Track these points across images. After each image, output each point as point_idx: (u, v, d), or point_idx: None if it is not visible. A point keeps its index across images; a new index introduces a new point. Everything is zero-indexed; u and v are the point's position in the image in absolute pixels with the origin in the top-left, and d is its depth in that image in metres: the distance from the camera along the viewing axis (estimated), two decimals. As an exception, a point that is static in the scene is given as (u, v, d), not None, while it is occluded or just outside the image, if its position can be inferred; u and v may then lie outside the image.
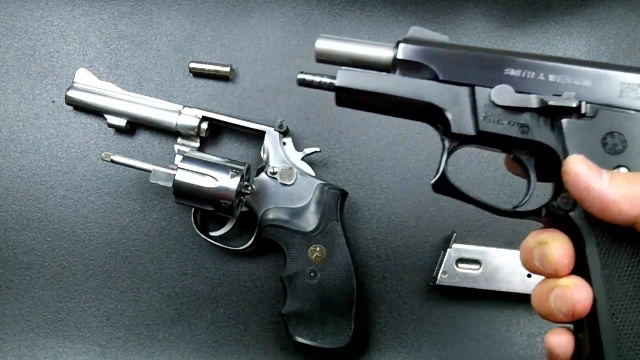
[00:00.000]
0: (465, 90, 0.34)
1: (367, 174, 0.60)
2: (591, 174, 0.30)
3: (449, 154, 0.35)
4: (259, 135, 0.56)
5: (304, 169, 0.55)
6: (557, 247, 0.32)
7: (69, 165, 0.59)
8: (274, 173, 0.55)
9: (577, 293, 0.31)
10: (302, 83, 0.38)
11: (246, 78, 0.61)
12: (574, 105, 0.32)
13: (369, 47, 0.36)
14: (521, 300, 0.56)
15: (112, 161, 0.54)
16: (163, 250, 0.58)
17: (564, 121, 0.32)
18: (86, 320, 0.57)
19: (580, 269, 0.32)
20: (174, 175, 0.52)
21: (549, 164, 0.34)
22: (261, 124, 0.56)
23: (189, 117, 0.56)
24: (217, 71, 0.60)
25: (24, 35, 0.61)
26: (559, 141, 0.33)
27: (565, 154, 0.32)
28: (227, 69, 0.60)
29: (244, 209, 0.55)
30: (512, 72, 0.34)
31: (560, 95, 0.33)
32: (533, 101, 0.33)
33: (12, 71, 0.61)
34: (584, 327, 0.32)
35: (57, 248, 0.58)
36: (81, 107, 0.59)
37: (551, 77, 0.33)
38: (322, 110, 0.60)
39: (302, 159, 0.56)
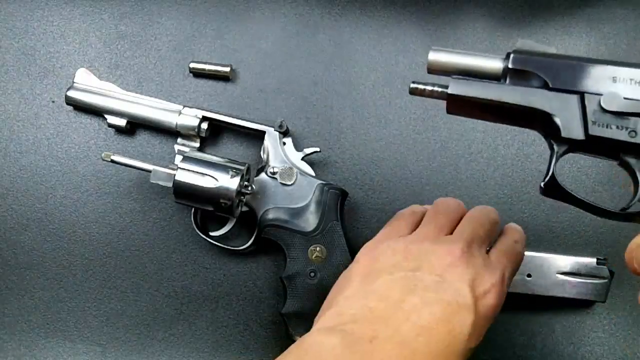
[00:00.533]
0: (574, 98, 0.36)
1: (367, 174, 0.60)
2: None
3: (558, 159, 0.37)
4: (259, 135, 0.56)
5: (304, 169, 0.56)
6: None
7: (69, 165, 0.59)
8: (274, 173, 0.55)
9: None
10: (414, 92, 0.41)
11: (246, 78, 0.61)
12: None
13: (479, 58, 0.39)
14: (521, 300, 0.56)
15: (112, 161, 0.54)
16: (163, 250, 0.58)
17: None
18: (86, 320, 0.57)
19: None
20: (174, 175, 0.52)
21: None
22: (261, 124, 0.56)
23: (189, 117, 0.57)
24: (217, 71, 0.60)
25: (24, 35, 0.62)
26: None
27: None
28: (227, 69, 0.60)
29: (244, 209, 0.55)
30: (620, 80, 0.36)
31: None
32: None
33: (12, 71, 0.61)
34: None
35: (57, 248, 0.58)
36: (81, 107, 0.59)
37: None
38: (322, 110, 0.61)
39: (302, 159, 0.56)
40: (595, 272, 0.55)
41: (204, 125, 0.57)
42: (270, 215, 0.54)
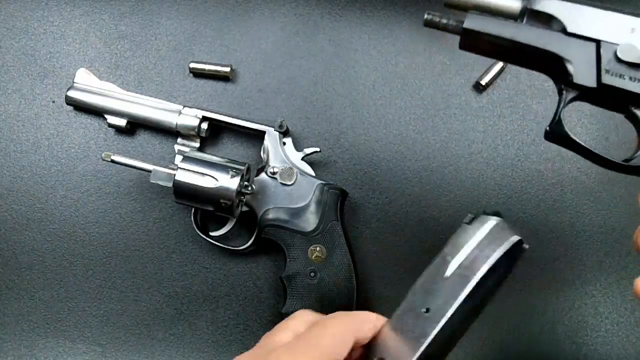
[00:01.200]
0: (591, 45, 0.36)
1: (367, 174, 0.60)
2: None
3: (566, 104, 0.37)
4: (259, 135, 0.56)
5: (304, 169, 0.56)
6: None
7: (69, 165, 0.59)
8: (274, 173, 0.55)
9: None
10: (429, 23, 0.39)
11: (246, 78, 0.61)
12: None
13: None
14: (522, 300, 0.56)
15: (113, 161, 0.54)
16: (163, 250, 0.58)
17: None
18: (86, 320, 0.57)
19: None
20: (174, 175, 0.52)
21: None
22: (261, 124, 0.56)
23: (189, 117, 0.57)
24: (217, 71, 0.60)
25: (24, 35, 0.62)
26: None
27: None
28: (227, 69, 0.60)
29: (244, 209, 0.55)
30: (638, 31, 0.35)
31: None
32: None
33: (13, 71, 0.61)
34: None
35: (58, 248, 0.58)
36: (81, 107, 0.59)
37: None
38: (322, 110, 0.61)
39: (302, 159, 0.56)
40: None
41: (204, 125, 0.57)
42: (270, 215, 0.54)
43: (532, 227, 0.59)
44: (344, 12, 0.63)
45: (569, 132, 0.37)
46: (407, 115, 0.61)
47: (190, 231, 0.58)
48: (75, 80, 0.58)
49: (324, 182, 0.55)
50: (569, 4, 0.37)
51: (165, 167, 0.53)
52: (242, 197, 0.54)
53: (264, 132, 0.56)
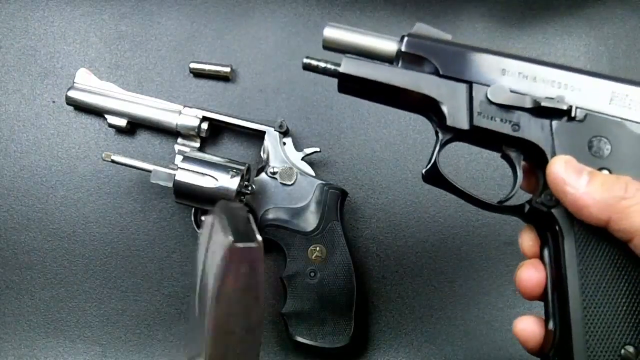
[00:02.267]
0: (463, 87, 0.36)
1: (367, 174, 0.60)
2: (570, 178, 0.32)
3: (442, 147, 0.37)
4: (259, 135, 0.56)
5: (304, 169, 0.56)
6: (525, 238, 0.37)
7: (69, 165, 0.59)
8: (274, 173, 0.55)
9: (524, 271, 0.35)
10: (308, 67, 0.40)
11: (246, 78, 0.61)
12: (565, 108, 0.35)
13: (375, 38, 0.38)
14: (522, 300, 0.56)
15: (113, 161, 0.54)
16: (163, 250, 0.58)
17: (555, 122, 0.35)
18: (86, 320, 0.57)
19: (557, 263, 0.34)
20: (174, 175, 0.52)
21: (536, 163, 0.36)
22: (261, 124, 0.56)
23: (189, 117, 0.57)
24: (217, 71, 0.60)
25: (24, 35, 0.62)
26: (548, 141, 0.35)
27: (553, 153, 0.34)
28: (227, 69, 0.60)
29: (244, 208, 0.55)
30: (509, 73, 0.36)
31: (552, 99, 0.35)
32: (527, 101, 0.35)
33: (13, 71, 0.61)
34: (554, 317, 0.34)
35: (58, 248, 0.58)
36: (82, 107, 0.59)
37: (545, 81, 0.36)
38: (322, 110, 0.61)
39: (302, 159, 0.56)
40: None
41: (204, 125, 0.57)
42: (270, 215, 0.54)
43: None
44: (344, 12, 0.63)
45: (446, 176, 0.37)
46: (407, 115, 0.60)
47: (190, 231, 0.58)
48: (75, 81, 0.58)
49: (324, 182, 0.55)
50: (441, 46, 0.37)
51: (165, 167, 0.53)
52: (242, 197, 0.54)
53: (264, 132, 0.56)
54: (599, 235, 0.32)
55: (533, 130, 0.35)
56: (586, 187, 0.32)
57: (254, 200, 0.55)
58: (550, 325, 0.34)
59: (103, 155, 0.54)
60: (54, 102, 0.60)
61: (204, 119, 0.57)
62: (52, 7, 0.62)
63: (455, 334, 0.58)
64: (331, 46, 0.39)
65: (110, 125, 0.58)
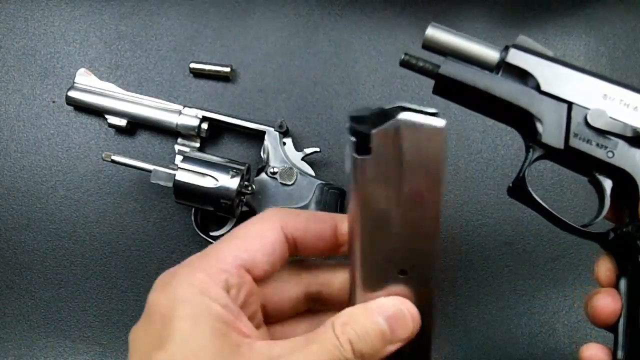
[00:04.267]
0: (563, 106, 0.36)
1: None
2: None
3: (532, 162, 0.37)
4: (259, 135, 0.56)
5: (304, 169, 0.56)
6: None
7: (69, 165, 0.59)
8: (274, 173, 0.55)
9: (600, 299, 0.35)
10: (405, 64, 0.39)
11: (246, 78, 0.61)
12: None
13: (477, 44, 0.38)
14: (522, 300, 0.56)
15: (113, 161, 0.54)
16: (163, 250, 0.58)
17: None
18: (87, 320, 0.57)
19: (634, 294, 0.34)
20: (175, 175, 0.52)
21: (625, 191, 0.36)
22: (261, 124, 0.56)
23: (190, 117, 0.57)
24: (217, 71, 0.60)
25: (24, 35, 0.62)
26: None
27: None
28: (228, 69, 0.60)
29: (244, 208, 0.55)
30: (610, 99, 0.35)
31: None
32: (627, 129, 0.35)
33: (13, 71, 0.61)
34: (624, 348, 0.34)
35: (58, 248, 0.58)
36: (82, 107, 0.59)
37: None
38: (322, 110, 0.61)
39: (302, 159, 0.56)
40: None
41: (204, 125, 0.57)
42: (270, 215, 0.54)
43: (532, 227, 0.59)
44: (344, 12, 0.63)
45: (532, 192, 0.37)
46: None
47: (190, 231, 0.58)
48: (75, 81, 0.59)
49: (324, 182, 0.55)
50: (546, 62, 0.37)
51: (165, 167, 0.53)
52: (242, 197, 0.54)
53: (264, 132, 0.56)
54: None
55: (628, 158, 0.35)
56: None
57: (254, 200, 0.55)
58: (620, 355, 0.34)
59: (103, 155, 0.54)
60: (54, 102, 0.60)
61: (204, 119, 0.57)
62: (52, 7, 0.62)
63: (455, 334, 0.58)
64: (432, 46, 0.38)
65: (110, 125, 0.58)
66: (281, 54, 0.62)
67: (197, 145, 0.58)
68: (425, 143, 0.27)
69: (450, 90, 0.38)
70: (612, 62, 0.63)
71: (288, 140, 0.56)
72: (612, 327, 0.36)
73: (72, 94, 0.58)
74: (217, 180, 0.51)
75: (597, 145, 0.35)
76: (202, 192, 0.52)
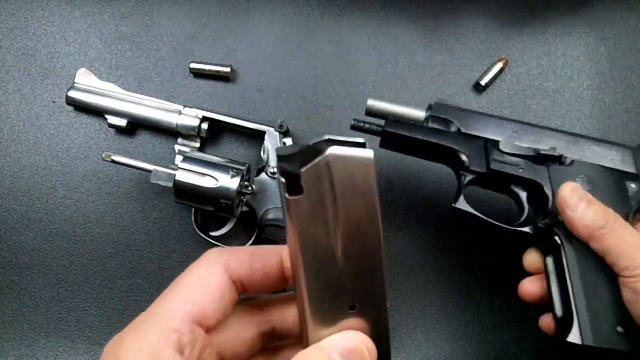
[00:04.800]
0: (480, 140, 0.48)
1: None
2: (572, 201, 0.42)
3: (465, 186, 0.47)
4: (259, 135, 0.56)
5: (304, 169, 0.55)
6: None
7: (69, 165, 0.59)
8: (274, 173, 0.55)
9: (528, 283, 0.46)
10: (355, 127, 0.50)
11: (246, 78, 0.61)
12: (557, 155, 0.46)
13: (407, 107, 0.49)
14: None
15: (113, 161, 0.54)
16: (163, 250, 0.59)
17: (550, 166, 0.46)
18: (87, 320, 0.58)
19: (559, 267, 0.43)
20: (175, 175, 0.52)
21: (536, 196, 0.47)
22: (261, 124, 0.56)
23: (190, 117, 0.57)
24: (217, 71, 0.60)
25: (24, 35, 0.62)
26: (546, 180, 0.46)
27: (550, 188, 0.45)
28: (227, 69, 0.60)
29: (244, 208, 0.55)
30: (514, 130, 0.48)
31: (547, 149, 0.46)
32: (530, 150, 0.47)
33: (13, 71, 0.61)
34: (562, 305, 0.43)
35: (58, 248, 0.58)
36: (82, 107, 0.59)
37: (540, 137, 0.48)
38: (322, 110, 0.61)
39: (302, 159, 0.56)
40: None
41: (204, 125, 0.57)
42: (271, 215, 0.54)
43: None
44: (344, 12, 0.63)
45: (469, 209, 0.47)
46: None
47: (190, 231, 0.58)
48: (75, 81, 0.59)
49: (324, 182, 0.55)
50: (462, 112, 0.49)
51: (165, 167, 0.53)
52: (242, 197, 0.54)
53: (264, 132, 0.56)
54: (587, 245, 0.42)
55: (535, 172, 0.46)
56: (581, 213, 0.41)
57: (254, 200, 0.55)
58: (559, 313, 0.43)
59: (103, 155, 0.54)
60: (54, 102, 0.60)
61: (204, 119, 0.57)
62: (52, 7, 0.62)
63: (456, 334, 0.58)
64: (374, 112, 0.50)
65: (111, 125, 0.58)
66: (281, 54, 0.62)
67: (197, 145, 0.58)
68: (356, 175, 0.28)
69: (393, 142, 0.49)
70: (612, 62, 0.63)
71: (288, 140, 0.56)
72: (539, 304, 0.46)
73: (72, 94, 0.58)
74: (217, 180, 0.51)
75: (510, 165, 0.46)
76: (202, 192, 0.52)
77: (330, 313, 0.31)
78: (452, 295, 0.58)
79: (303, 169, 0.27)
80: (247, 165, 0.54)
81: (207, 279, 0.32)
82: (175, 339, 0.30)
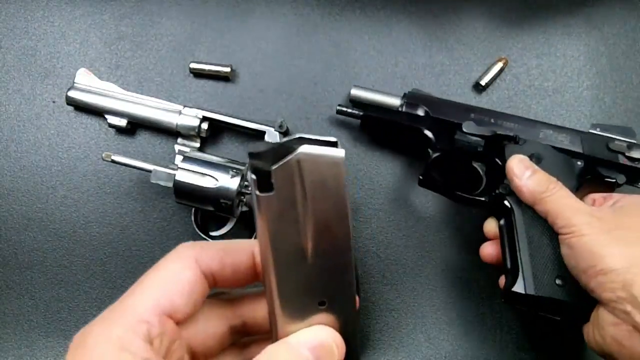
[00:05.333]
0: (446, 123, 0.55)
1: (367, 174, 0.60)
2: (519, 171, 0.48)
3: (432, 161, 0.54)
4: (259, 136, 0.56)
5: (304, 168, 0.55)
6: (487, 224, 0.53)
7: (69, 165, 0.59)
8: (274, 173, 0.55)
9: (488, 247, 0.52)
10: (339, 112, 0.57)
11: (246, 78, 0.61)
12: (512, 135, 0.53)
13: (386, 95, 0.57)
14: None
15: (113, 161, 0.54)
16: (163, 250, 0.58)
17: (506, 144, 0.53)
18: (86, 320, 0.57)
19: (510, 228, 0.49)
20: (175, 175, 0.52)
21: (493, 170, 0.53)
22: (261, 124, 0.56)
23: (190, 117, 0.57)
24: (217, 71, 0.60)
25: (24, 35, 0.62)
26: (501, 156, 0.52)
27: (504, 163, 0.50)
28: (227, 69, 0.60)
29: (244, 208, 0.55)
30: (476, 115, 0.55)
31: (504, 131, 0.54)
32: (488, 132, 0.53)
33: (13, 71, 0.61)
34: (510, 260, 0.49)
35: (58, 248, 0.58)
36: (82, 107, 0.59)
37: (499, 121, 0.54)
38: (322, 110, 0.61)
39: (302, 159, 0.56)
40: None
41: (204, 125, 0.57)
42: (271, 215, 0.54)
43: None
44: (344, 12, 0.63)
45: (436, 178, 0.54)
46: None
47: (190, 231, 0.58)
48: (75, 81, 0.59)
49: (324, 182, 0.55)
50: (432, 99, 0.56)
51: (165, 167, 0.53)
52: (242, 197, 0.54)
53: (264, 132, 0.56)
54: (534, 212, 0.48)
55: (492, 150, 0.53)
56: (526, 180, 0.47)
57: (254, 200, 0.55)
58: (508, 266, 0.49)
59: (103, 155, 0.54)
60: (54, 102, 0.60)
61: (204, 119, 0.57)
62: (52, 7, 0.62)
63: (455, 334, 0.58)
64: (356, 100, 0.58)
65: (111, 125, 0.58)
66: (281, 54, 0.62)
67: (197, 145, 0.58)
68: (326, 174, 0.28)
69: (371, 124, 0.57)
70: (612, 62, 0.63)
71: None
72: (497, 265, 0.51)
73: (72, 94, 0.58)
74: (217, 180, 0.51)
75: (471, 144, 0.53)
76: (202, 192, 0.52)
77: (300, 309, 0.31)
78: (452, 296, 0.58)
79: (274, 167, 0.27)
80: (247, 165, 0.54)
81: (178, 272, 0.32)
82: (145, 330, 0.29)
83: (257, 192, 0.27)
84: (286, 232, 0.29)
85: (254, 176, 0.27)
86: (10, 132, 0.60)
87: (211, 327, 0.34)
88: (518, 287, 0.46)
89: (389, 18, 0.63)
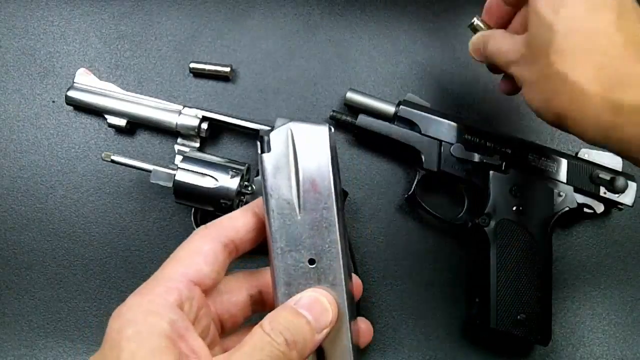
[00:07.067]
0: (436, 143, 0.55)
1: (367, 174, 0.60)
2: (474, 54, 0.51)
3: (419, 182, 0.56)
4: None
5: (304, 169, 0.55)
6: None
7: (69, 165, 0.59)
8: (274, 173, 0.55)
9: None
10: (333, 118, 0.58)
11: (246, 78, 0.61)
12: (498, 164, 0.54)
13: (380, 102, 0.57)
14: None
15: (113, 161, 0.54)
16: (163, 250, 0.58)
17: (491, 173, 0.55)
18: (86, 320, 0.57)
19: (485, 260, 0.53)
20: (174, 175, 0.52)
21: (477, 197, 0.56)
22: (261, 124, 0.56)
23: (189, 117, 0.57)
24: (217, 71, 0.60)
25: (24, 35, 0.62)
26: (486, 183, 0.54)
27: (489, 192, 0.54)
28: (227, 69, 0.60)
29: (244, 209, 0.55)
30: (467, 137, 0.55)
31: (491, 157, 0.55)
32: (475, 157, 0.54)
33: (13, 71, 0.61)
34: (481, 293, 0.54)
35: (57, 248, 0.58)
36: (81, 107, 0.59)
37: (488, 144, 0.55)
38: (322, 110, 0.61)
39: (302, 159, 0.56)
40: None
41: (204, 125, 0.57)
42: (270, 215, 0.54)
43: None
44: (344, 12, 0.63)
45: (421, 201, 0.56)
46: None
47: (190, 231, 0.57)
48: (75, 80, 0.58)
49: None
50: (423, 114, 0.55)
51: (165, 167, 0.53)
52: (242, 197, 0.54)
53: (264, 132, 0.56)
54: (511, 244, 0.53)
55: (478, 176, 0.55)
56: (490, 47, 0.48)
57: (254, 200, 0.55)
58: (477, 300, 0.55)
59: (103, 155, 0.54)
60: (53, 102, 0.60)
61: (204, 119, 0.57)
62: (52, 7, 0.62)
63: (455, 334, 0.58)
64: (350, 104, 0.58)
65: (110, 125, 0.58)
66: (281, 54, 0.62)
67: (197, 145, 0.58)
68: (312, 140, 0.36)
69: (363, 135, 0.57)
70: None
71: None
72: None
73: (72, 93, 0.58)
74: (217, 180, 0.51)
75: (458, 169, 0.55)
76: (202, 192, 0.52)
77: (294, 269, 0.36)
78: (452, 296, 0.58)
79: (271, 133, 0.36)
80: (247, 165, 0.54)
81: (200, 245, 0.36)
82: (176, 295, 0.33)
83: (259, 152, 0.36)
84: (280, 186, 0.36)
85: (258, 142, 0.36)
86: (10, 132, 0.60)
87: (233, 296, 0.39)
88: (484, 321, 0.53)
89: (389, 18, 0.63)
